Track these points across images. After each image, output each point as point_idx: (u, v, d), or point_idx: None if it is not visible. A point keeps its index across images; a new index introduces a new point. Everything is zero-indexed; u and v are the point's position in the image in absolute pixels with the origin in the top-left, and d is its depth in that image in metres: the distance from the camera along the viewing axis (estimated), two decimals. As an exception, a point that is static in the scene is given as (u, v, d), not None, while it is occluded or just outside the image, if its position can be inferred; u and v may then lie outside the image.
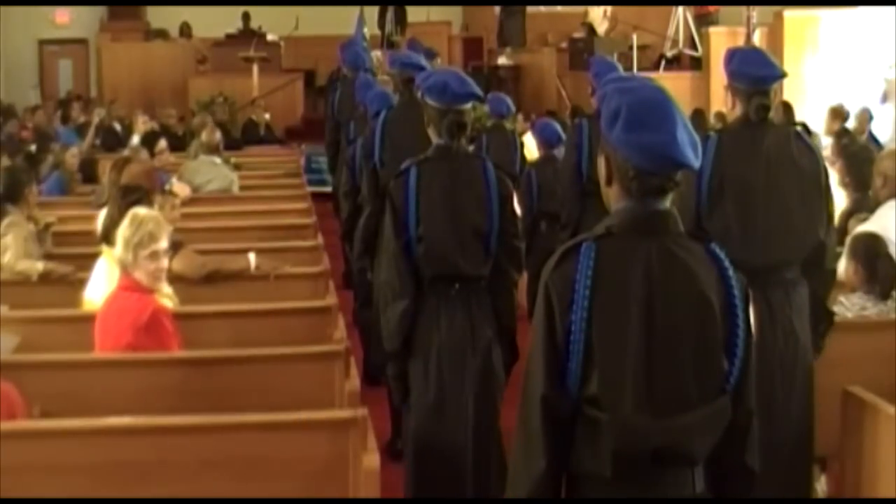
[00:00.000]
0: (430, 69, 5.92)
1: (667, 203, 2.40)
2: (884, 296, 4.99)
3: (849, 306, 4.95)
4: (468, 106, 4.32)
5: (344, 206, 7.52)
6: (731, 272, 2.41)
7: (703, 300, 2.36)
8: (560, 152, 7.11)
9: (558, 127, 7.91)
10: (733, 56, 4.21)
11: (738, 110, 4.19)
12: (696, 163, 2.36)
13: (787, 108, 11.99)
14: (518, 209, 4.44)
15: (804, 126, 4.39)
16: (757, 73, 4.13)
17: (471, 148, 4.45)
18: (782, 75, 4.21)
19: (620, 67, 6.25)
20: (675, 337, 2.34)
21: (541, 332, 2.40)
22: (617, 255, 2.36)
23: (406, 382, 4.31)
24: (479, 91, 4.36)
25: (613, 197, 2.44)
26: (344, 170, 7.86)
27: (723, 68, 4.23)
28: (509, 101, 9.32)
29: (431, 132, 4.32)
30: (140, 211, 4.70)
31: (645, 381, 2.33)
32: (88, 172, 9.55)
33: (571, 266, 2.36)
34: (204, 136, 9.41)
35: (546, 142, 7.83)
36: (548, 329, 2.38)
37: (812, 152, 4.23)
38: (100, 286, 5.07)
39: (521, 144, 9.62)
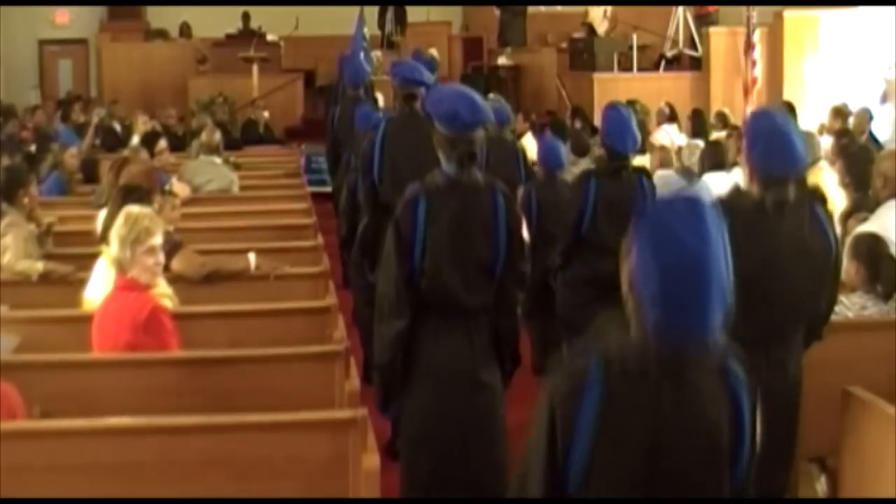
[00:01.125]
0: (435, 85, 5.84)
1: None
2: (886, 297, 4.99)
3: (849, 305, 4.96)
4: (479, 132, 4.25)
5: (342, 223, 7.59)
6: (744, 395, 2.32)
7: (714, 439, 2.30)
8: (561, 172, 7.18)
9: (562, 151, 7.70)
10: (756, 140, 3.87)
11: (754, 189, 3.89)
12: (717, 332, 2.25)
13: (790, 108, 11.97)
14: (526, 234, 4.41)
15: (820, 196, 4.24)
16: (778, 171, 3.83)
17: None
18: (805, 167, 3.91)
19: (634, 120, 6.07)
20: (678, 472, 2.29)
21: (542, 443, 2.31)
22: (625, 400, 2.26)
23: (389, 391, 4.29)
24: (490, 115, 4.31)
25: (631, 311, 2.29)
26: (344, 190, 7.94)
27: (744, 144, 3.92)
28: (508, 108, 9.27)
29: (441, 156, 4.25)
30: (133, 208, 4.71)
31: None
32: (90, 172, 9.53)
33: (577, 399, 2.26)
34: (204, 136, 9.41)
35: (549, 166, 7.60)
36: (549, 442, 2.30)
37: (826, 234, 4.04)
38: (100, 286, 5.07)
39: (523, 152, 9.59)
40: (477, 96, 4.31)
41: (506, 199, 4.31)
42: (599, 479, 2.28)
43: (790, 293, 3.96)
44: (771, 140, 3.82)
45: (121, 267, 4.54)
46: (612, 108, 6.11)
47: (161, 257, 4.63)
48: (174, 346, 4.55)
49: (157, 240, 4.56)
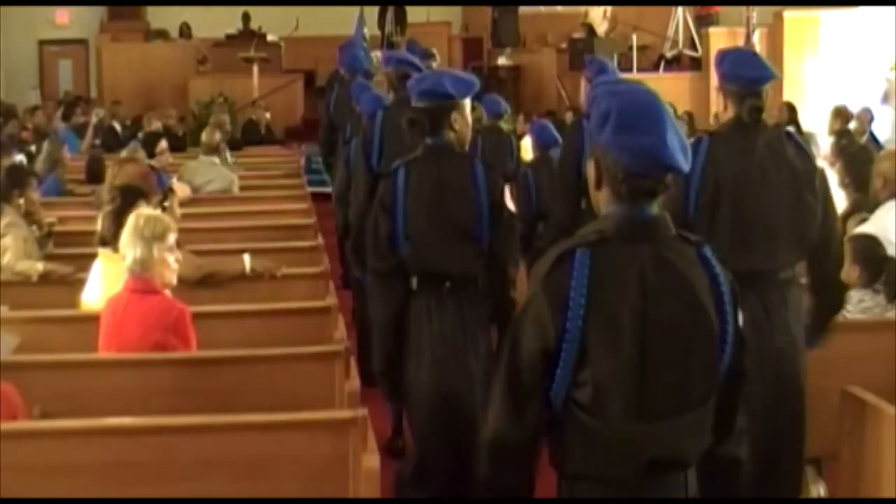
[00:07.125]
0: (425, 69, 5.91)
1: (656, 207, 2.39)
2: (890, 297, 4.99)
3: (846, 298, 4.96)
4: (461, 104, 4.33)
5: (338, 210, 7.45)
6: (721, 275, 2.41)
7: (697, 305, 2.37)
8: (556, 153, 7.10)
9: (554, 129, 7.86)
10: (725, 57, 4.18)
11: (730, 112, 4.16)
12: (685, 166, 2.36)
13: (791, 108, 11.99)
14: (512, 205, 4.44)
15: (794, 117, 4.39)
16: (749, 75, 4.09)
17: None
18: (774, 76, 4.20)
19: (616, 69, 6.24)
20: (669, 343, 2.35)
21: (509, 357, 2.40)
22: (612, 263, 2.34)
23: (393, 377, 4.36)
24: (474, 90, 4.38)
25: (603, 200, 2.42)
26: (339, 171, 7.84)
27: (714, 70, 4.22)
28: (503, 102, 9.32)
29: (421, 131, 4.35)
30: (144, 210, 4.71)
31: (639, 389, 2.33)
32: (94, 173, 9.42)
33: (565, 273, 2.34)
34: (204, 136, 9.40)
35: (543, 143, 7.77)
36: (518, 351, 2.37)
37: (805, 153, 4.21)
38: (96, 289, 5.06)
39: (518, 147, 9.60)
40: (461, 74, 4.46)
41: (485, 168, 4.38)
42: (594, 350, 2.32)
43: (778, 213, 4.06)
44: (736, 53, 4.32)
45: (143, 267, 4.47)
46: (595, 59, 6.36)
47: (179, 254, 4.64)
48: (195, 348, 4.56)
49: (173, 237, 4.57)
